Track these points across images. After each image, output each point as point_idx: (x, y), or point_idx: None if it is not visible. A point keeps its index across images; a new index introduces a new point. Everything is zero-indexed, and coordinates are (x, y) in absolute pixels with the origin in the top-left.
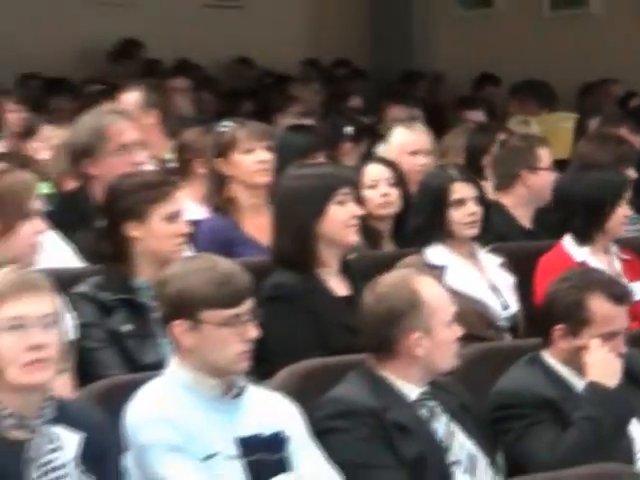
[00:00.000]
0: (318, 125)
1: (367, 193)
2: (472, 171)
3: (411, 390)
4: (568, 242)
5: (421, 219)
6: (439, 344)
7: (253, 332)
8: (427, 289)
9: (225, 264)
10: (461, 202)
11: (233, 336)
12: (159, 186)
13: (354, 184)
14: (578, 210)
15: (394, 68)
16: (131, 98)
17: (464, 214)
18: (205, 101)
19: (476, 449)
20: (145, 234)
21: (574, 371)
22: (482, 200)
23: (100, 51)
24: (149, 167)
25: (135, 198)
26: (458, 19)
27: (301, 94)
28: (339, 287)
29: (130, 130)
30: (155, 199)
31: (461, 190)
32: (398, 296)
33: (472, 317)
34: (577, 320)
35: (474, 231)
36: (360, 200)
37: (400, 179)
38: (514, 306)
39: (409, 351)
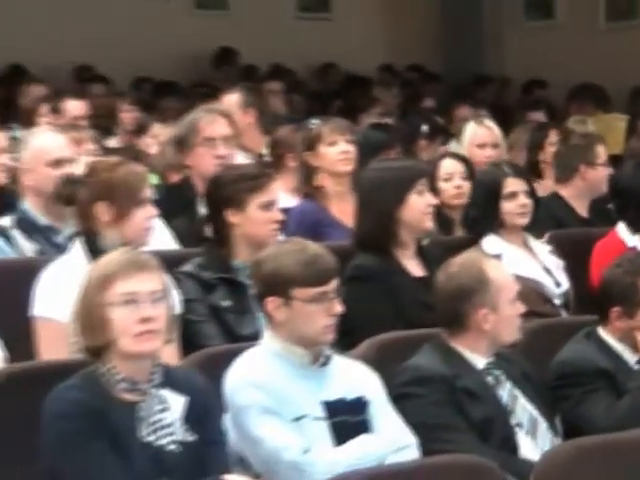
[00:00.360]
0: (396, 124)
1: (442, 185)
2: (532, 165)
3: (478, 360)
4: (621, 229)
5: (476, 211)
6: (504, 319)
7: (338, 308)
8: (493, 270)
9: (313, 247)
10: (513, 195)
11: (320, 311)
12: (256, 178)
13: (430, 177)
14: (633, 202)
15: (465, 73)
16: (231, 99)
17: (516, 205)
18: (296, 102)
19: (537, 413)
20: (243, 220)
21: (628, 347)
22: (532, 194)
23: (203, 57)
24: (240, 160)
25: (235, 188)
26: (524, 29)
27: (381, 96)
28: (415, 268)
29: (217, 125)
30: (253, 189)
31: (513, 184)
32: (468, 276)
33: (531, 295)
34: (632, 302)
35: (525, 220)
36: (435, 191)
37: (471, 173)
38: (565, 284)
39: (477, 325)
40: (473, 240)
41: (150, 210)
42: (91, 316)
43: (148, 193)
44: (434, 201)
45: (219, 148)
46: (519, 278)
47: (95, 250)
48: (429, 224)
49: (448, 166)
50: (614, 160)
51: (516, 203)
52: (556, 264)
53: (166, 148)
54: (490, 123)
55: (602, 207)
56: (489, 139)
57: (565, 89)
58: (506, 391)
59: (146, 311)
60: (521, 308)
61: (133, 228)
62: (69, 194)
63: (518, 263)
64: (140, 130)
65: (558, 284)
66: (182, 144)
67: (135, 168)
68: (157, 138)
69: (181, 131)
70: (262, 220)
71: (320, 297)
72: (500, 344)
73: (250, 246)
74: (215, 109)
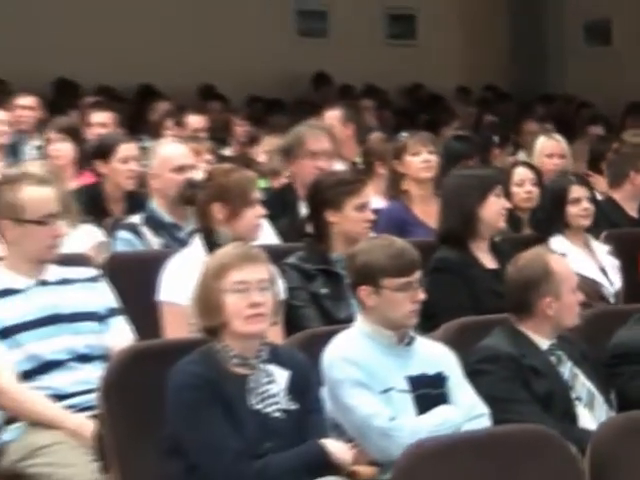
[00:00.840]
0: (473, 136)
1: (514, 189)
2: (594, 172)
3: (543, 342)
4: None
5: (544, 213)
6: (566, 306)
7: (421, 295)
8: (556, 263)
9: (400, 242)
10: (577, 200)
11: (405, 298)
12: (352, 183)
13: (505, 183)
14: None
15: (532, 92)
16: (333, 115)
17: (580, 209)
18: (386, 117)
19: (594, 388)
20: (340, 220)
21: None
22: (593, 200)
23: (305, 79)
24: (337, 167)
25: (334, 192)
26: (585, 53)
27: (460, 112)
28: (489, 261)
29: (320, 140)
30: (350, 192)
31: (578, 191)
32: (535, 268)
33: (590, 291)
34: None
35: (587, 222)
36: (508, 195)
37: (540, 180)
38: (618, 283)
39: (542, 312)
40: (539, 238)
41: (259, 210)
42: (208, 301)
43: (257, 195)
44: (508, 205)
45: (320, 161)
46: (579, 276)
47: (212, 244)
48: (502, 224)
49: (520, 173)
50: None
51: (579, 207)
52: (612, 264)
53: (272, 156)
54: (558, 136)
55: None
56: (557, 150)
57: (620, 106)
58: (567, 369)
59: (255, 297)
60: (580, 297)
61: (244, 225)
62: (190, 196)
63: (579, 263)
64: (251, 141)
65: (611, 283)
66: (288, 154)
67: (246, 173)
68: (265, 148)
69: (289, 142)
70: (357, 219)
71: (405, 286)
72: (562, 328)
73: (345, 241)
74: (320, 126)
